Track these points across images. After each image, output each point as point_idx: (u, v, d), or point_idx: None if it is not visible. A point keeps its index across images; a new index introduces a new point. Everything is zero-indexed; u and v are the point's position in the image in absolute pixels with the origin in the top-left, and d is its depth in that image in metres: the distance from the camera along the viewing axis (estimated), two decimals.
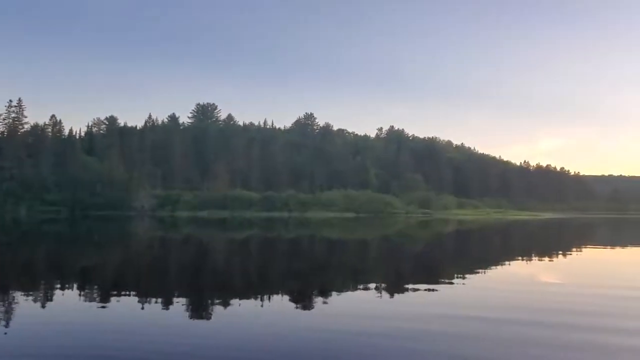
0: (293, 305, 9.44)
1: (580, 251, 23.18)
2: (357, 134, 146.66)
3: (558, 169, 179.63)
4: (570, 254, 21.49)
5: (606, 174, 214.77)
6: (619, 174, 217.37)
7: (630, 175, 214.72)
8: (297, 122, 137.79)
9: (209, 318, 8.27)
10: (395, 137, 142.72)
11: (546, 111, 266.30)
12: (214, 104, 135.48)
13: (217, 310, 8.87)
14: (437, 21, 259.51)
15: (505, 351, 6.30)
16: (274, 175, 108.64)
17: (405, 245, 28.69)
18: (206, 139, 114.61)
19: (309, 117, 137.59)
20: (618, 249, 24.81)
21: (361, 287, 11.45)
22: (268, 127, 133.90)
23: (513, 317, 8.16)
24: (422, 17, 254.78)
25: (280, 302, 9.73)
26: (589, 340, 6.73)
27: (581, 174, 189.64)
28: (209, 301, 9.81)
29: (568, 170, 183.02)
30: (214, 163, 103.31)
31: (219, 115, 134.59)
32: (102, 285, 11.79)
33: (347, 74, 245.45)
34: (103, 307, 8.92)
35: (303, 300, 9.98)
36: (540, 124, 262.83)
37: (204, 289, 11.61)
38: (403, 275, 14.23)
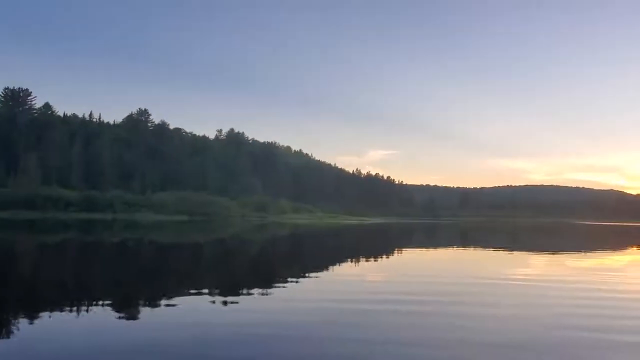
0: (116, 315, 8.72)
1: (401, 252, 25.98)
2: (195, 135, 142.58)
3: (385, 177, 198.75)
4: (392, 255, 23.97)
5: (424, 183, 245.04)
6: (434, 184, 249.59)
7: (443, 185, 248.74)
8: (129, 118, 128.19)
9: (7, 336, 7.19)
10: (234, 140, 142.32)
11: (376, 124, 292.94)
12: (27, 89, 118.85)
13: (22, 325, 7.76)
14: (279, 27, 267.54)
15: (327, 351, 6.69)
16: (98, 174, 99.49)
17: (239, 249, 28.73)
18: (14, 129, 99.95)
19: (143, 113, 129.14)
20: (431, 250, 28.31)
21: (193, 292, 11.11)
22: (94, 120, 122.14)
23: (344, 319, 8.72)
24: (262, 18, 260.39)
25: (102, 313, 8.90)
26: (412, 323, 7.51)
27: (404, 183, 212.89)
28: (10, 316, 8.54)
29: (393, 180, 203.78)
30: (23, 157, 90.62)
31: (33, 103, 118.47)
32: None
33: (187, 72, 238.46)
34: None
35: (128, 309, 9.28)
36: (371, 135, 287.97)
37: (5, 302, 10.06)
38: (237, 280, 14.21)
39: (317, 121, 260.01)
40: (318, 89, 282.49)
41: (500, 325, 8.37)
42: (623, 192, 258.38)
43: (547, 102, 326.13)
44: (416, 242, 36.73)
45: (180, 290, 11.50)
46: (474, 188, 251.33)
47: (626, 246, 36.03)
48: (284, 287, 12.34)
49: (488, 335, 7.54)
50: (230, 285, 12.99)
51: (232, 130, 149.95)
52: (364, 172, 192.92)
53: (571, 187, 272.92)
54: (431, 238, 44.39)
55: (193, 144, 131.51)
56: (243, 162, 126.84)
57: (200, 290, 11.35)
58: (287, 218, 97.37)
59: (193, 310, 9.21)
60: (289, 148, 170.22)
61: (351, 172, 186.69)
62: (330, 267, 17.12)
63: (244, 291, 11.45)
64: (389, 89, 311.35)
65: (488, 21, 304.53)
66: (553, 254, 27.04)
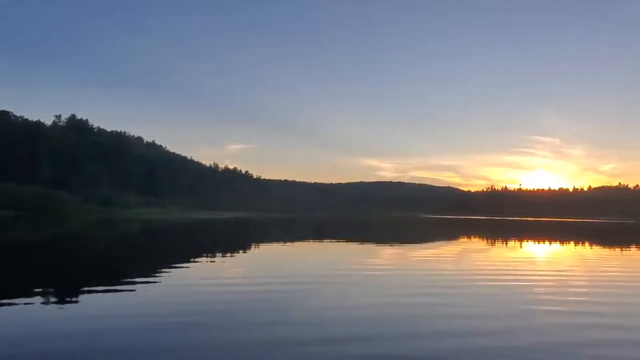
0: None
1: (258, 247, 26.19)
2: (27, 119, 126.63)
3: (243, 172, 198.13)
4: (250, 250, 24.06)
5: (283, 178, 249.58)
6: (292, 179, 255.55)
7: (302, 180, 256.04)
8: None
9: None
10: (77, 127, 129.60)
11: (236, 117, 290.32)
12: None
13: None
14: (133, 8, 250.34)
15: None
16: None
17: (78, 246, 26.32)
18: None
19: None
20: (289, 244, 29.00)
21: (23, 294, 9.94)
22: None
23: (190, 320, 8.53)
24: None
25: None
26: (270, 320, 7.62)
27: (263, 177, 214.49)
28: None
29: (252, 174, 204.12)
30: None
31: None
32: None
33: (21, 51, 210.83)
34: None
35: None
36: (230, 128, 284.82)
37: None
38: (74, 280, 13.04)
39: (172, 112, 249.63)
40: (175, 78, 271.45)
41: (345, 312, 8.97)
42: (458, 189, 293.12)
43: (397, 106, 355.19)
44: (273, 237, 37.30)
45: (6, 292, 10.19)
46: (330, 184, 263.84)
47: (459, 237, 40.95)
48: (132, 288, 11.63)
49: (333, 327, 8.04)
50: (64, 285, 11.86)
51: (73, 116, 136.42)
52: (222, 165, 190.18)
53: (415, 184, 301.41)
54: (288, 232, 45.46)
55: (25, 130, 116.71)
56: (86, 152, 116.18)
57: (32, 291, 10.19)
58: (136, 213, 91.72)
59: (22, 310, 8.24)
60: (140, 139, 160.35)
61: (209, 165, 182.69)
62: (176, 267, 16.57)
63: (85, 289, 10.55)
64: (250, 82, 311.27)
65: (348, 23, 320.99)
66: (400, 244, 29.61)
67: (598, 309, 9.67)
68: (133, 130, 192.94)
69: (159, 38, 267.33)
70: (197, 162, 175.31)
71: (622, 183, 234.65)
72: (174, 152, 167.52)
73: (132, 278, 12.81)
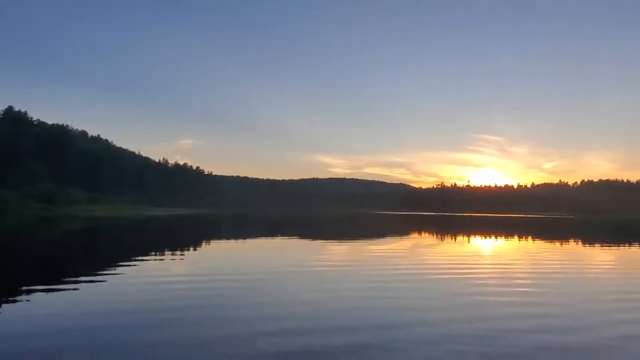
0: None
1: (209, 244, 25.84)
2: None
3: (194, 167, 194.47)
4: (200, 247, 23.72)
5: (234, 174, 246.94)
6: (244, 175, 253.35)
7: (254, 176, 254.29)
8: None
9: None
10: (14, 119, 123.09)
11: (186, 112, 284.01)
12: None
13: None
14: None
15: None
16: None
17: (15, 245, 25.10)
18: None
19: None
20: (240, 241, 28.77)
21: None
22: None
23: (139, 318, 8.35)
24: None
25: None
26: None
27: (214, 173, 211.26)
28: None
29: (203, 170, 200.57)
30: None
31: None
32: None
33: None
34: None
35: None
36: (180, 123, 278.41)
37: None
38: (12, 279, 12.45)
39: (119, 105, 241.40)
40: (124, 72, 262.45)
41: (292, 307, 9.04)
42: (410, 186, 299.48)
43: (351, 103, 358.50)
44: (225, 234, 36.89)
45: None
46: (283, 180, 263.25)
47: (411, 232, 41.89)
48: (75, 288, 11.23)
49: (285, 321, 8.12)
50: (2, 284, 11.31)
51: (10, 108, 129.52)
52: (171, 161, 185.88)
53: (368, 180, 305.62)
54: (240, 229, 45.08)
55: None
56: (26, 145, 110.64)
57: None
58: (80, 210, 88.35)
59: None
60: (84, 133, 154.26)
61: (158, 160, 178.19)
62: (122, 265, 16.14)
63: (24, 289, 10.10)
64: (202, 78, 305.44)
65: (300, 21, 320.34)
66: (353, 240, 29.99)
67: (537, 299, 10.20)
68: (77, 124, 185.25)
69: (109, 32, 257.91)
70: (145, 158, 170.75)
71: (562, 180, 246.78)
72: (120, 147, 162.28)
73: (76, 277, 12.37)
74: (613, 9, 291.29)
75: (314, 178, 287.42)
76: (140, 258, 17.17)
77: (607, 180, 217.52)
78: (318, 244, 27.38)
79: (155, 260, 17.28)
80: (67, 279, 12.05)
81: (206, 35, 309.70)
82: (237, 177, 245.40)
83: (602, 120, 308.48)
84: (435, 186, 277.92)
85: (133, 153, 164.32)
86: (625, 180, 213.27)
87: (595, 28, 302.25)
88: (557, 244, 30.20)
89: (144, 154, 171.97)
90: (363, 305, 9.31)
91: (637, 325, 8.14)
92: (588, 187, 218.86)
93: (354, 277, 13.28)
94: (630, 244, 29.98)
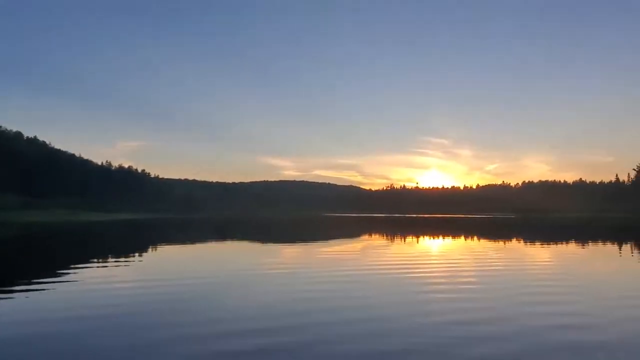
0: None
1: (155, 249, 25.21)
2: None
3: (139, 170, 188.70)
4: (145, 253, 23.09)
5: (183, 177, 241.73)
6: (193, 178, 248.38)
7: (203, 179, 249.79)
8: None
9: None
10: None
11: (131, 113, 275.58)
12: None
13: None
14: None
15: None
16: None
17: None
18: None
19: None
20: (189, 246, 28.23)
21: None
22: None
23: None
24: None
25: None
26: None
27: (160, 176, 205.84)
28: None
29: (148, 173, 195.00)
30: None
31: None
32: None
33: None
34: None
35: None
36: (125, 124, 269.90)
37: None
38: None
39: (59, 106, 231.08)
40: (64, 72, 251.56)
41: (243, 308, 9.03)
42: (360, 188, 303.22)
43: (301, 106, 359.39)
44: (172, 239, 36.08)
45: None
46: (233, 183, 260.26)
47: (361, 234, 42.46)
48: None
49: (235, 323, 8.13)
50: None
51: None
52: (115, 164, 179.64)
53: (319, 182, 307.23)
54: (188, 233, 44.22)
55: None
56: None
57: None
58: (14, 216, 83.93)
59: None
60: (19, 134, 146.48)
61: (100, 163, 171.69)
62: (61, 273, 15.52)
63: None
64: (147, 78, 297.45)
65: (251, 22, 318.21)
66: (304, 243, 30.06)
67: (479, 295, 10.72)
68: (12, 125, 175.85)
69: (48, 30, 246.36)
70: (86, 160, 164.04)
71: (504, 181, 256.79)
72: (59, 149, 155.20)
73: (10, 287, 11.78)
74: (552, 15, 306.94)
75: (264, 181, 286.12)
76: (80, 266, 16.54)
77: (546, 181, 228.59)
78: (269, 247, 27.29)
79: (97, 267, 16.69)
80: None
81: (151, 33, 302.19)
82: (186, 180, 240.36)
83: (539, 124, 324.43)
84: (384, 188, 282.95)
85: (73, 155, 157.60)
86: (562, 181, 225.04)
87: (534, 34, 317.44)
88: (500, 242, 31.46)
89: (85, 157, 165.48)
90: (313, 305, 9.47)
91: (552, 316, 8.65)
92: (528, 187, 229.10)
93: (304, 279, 13.35)
94: (567, 242, 31.64)
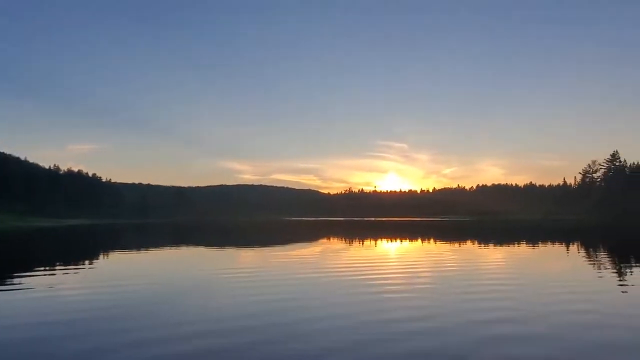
0: None
1: (107, 256, 24.50)
2: None
3: (90, 174, 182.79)
4: (96, 260, 22.42)
5: (136, 181, 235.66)
6: (147, 183, 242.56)
7: (157, 184, 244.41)
8: None
9: None
10: None
11: (81, 114, 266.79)
12: None
13: None
14: None
15: None
16: None
17: None
18: None
19: None
20: (142, 252, 27.59)
21: None
22: None
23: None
24: None
25: None
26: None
27: (113, 180, 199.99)
28: None
29: (100, 177, 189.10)
30: None
31: None
32: None
33: None
34: None
35: None
36: (74, 127, 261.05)
37: None
38: None
39: (2, 105, 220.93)
40: (7, 70, 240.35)
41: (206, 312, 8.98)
42: (318, 192, 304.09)
43: (257, 108, 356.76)
44: (124, 245, 35.14)
45: None
46: (189, 187, 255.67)
47: (319, 238, 42.65)
48: None
49: (192, 327, 8.08)
50: None
51: None
52: (64, 168, 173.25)
53: (277, 186, 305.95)
54: (142, 239, 43.19)
55: None
56: None
57: None
58: None
59: None
60: None
61: (48, 167, 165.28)
62: (4, 282, 14.92)
63: None
64: (97, 77, 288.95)
65: (210, 22, 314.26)
66: (261, 247, 29.93)
67: (428, 294, 11.10)
68: None
69: None
70: (33, 164, 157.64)
71: (460, 185, 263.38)
72: (3, 152, 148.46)
73: None
74: (512, 21, 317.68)
75: (221, 185, 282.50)
76: (25, 274, 15.90)
77: (499, 185, 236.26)
78: (226, 252, 27.03)
79: (45, 275, 16.09)
80: None
81: (104, 30, 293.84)
82: (140, 184, 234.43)
83: (494, 129, 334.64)
84: (343, 192, 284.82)
85: (18, 159, 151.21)
86: (513, 185, 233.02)
87: (490, 43, 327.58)
88: (455, 244, 32.30)
89: (31, 160, 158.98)
90: (271, 308, 9.54)
91: (490, 311, 9.07)
92: (482, 191, 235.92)
93: (262, 283, 13.32)
94: (518, 243, 32.83)
